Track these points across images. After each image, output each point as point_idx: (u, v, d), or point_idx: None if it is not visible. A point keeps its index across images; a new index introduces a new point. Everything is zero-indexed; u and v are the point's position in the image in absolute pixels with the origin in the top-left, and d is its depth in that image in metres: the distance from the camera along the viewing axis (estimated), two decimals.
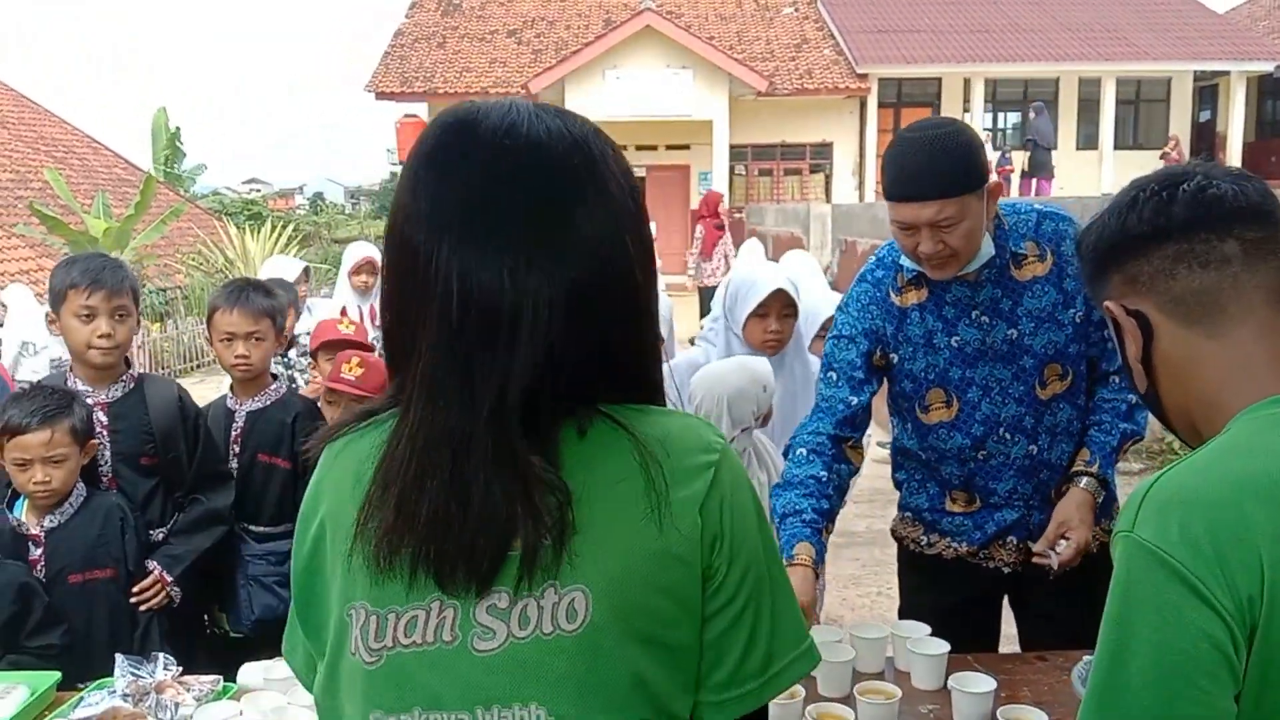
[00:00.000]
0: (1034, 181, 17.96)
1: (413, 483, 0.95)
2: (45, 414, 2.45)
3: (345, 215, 37.78)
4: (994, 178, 2.17)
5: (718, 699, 0.99)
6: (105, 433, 2.67)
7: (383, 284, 1.04)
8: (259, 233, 15.99)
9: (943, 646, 2.11)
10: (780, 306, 2.90)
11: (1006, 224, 2.25)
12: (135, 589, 2.58)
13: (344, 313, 4.39)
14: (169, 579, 2.64)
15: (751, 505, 1.02)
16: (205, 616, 3.00)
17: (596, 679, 0.96)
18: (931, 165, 2.07)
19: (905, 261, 2.25)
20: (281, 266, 5.07)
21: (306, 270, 5.43)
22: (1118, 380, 2.27)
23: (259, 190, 54.63)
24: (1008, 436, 2.28)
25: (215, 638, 3.01)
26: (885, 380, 2.39)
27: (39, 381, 2.71)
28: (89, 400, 2.64)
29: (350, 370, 3.04)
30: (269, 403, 3.02)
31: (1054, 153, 19.21)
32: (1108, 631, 1.06)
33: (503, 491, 0.93)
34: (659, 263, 1.11)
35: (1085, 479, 2.24)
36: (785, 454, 2.43)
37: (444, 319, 0.94)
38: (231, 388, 3.07)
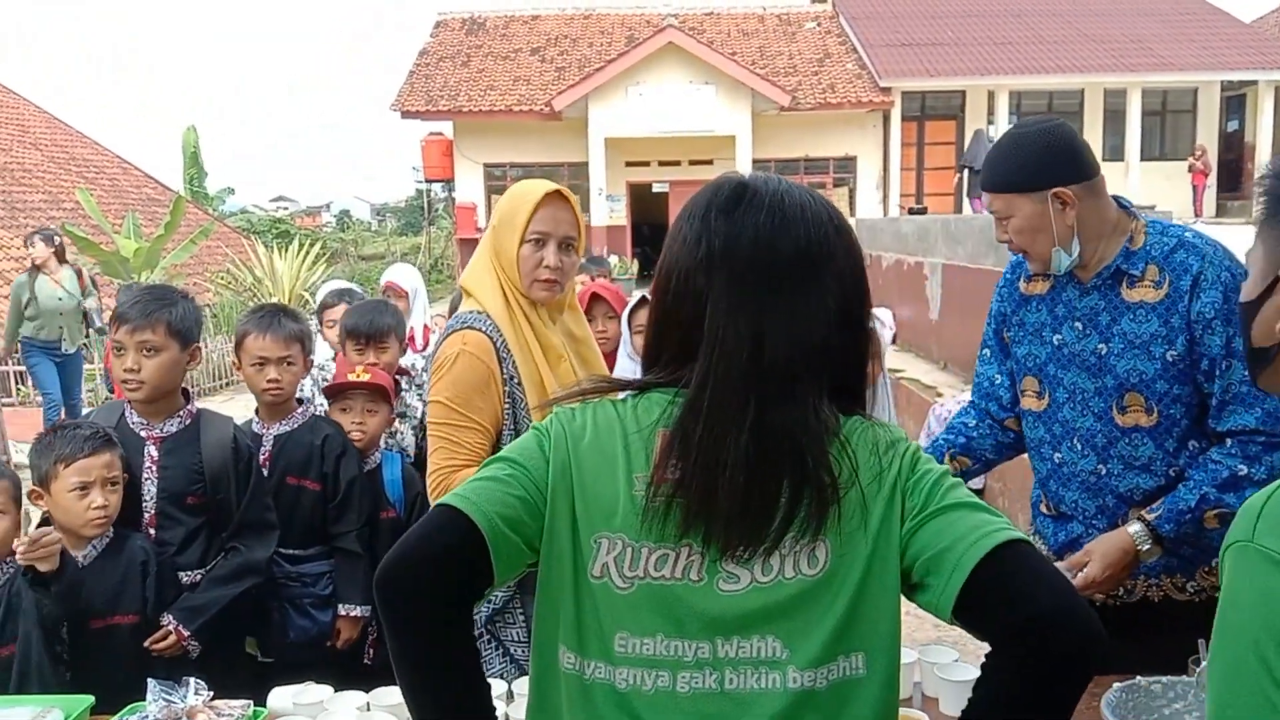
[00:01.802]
0: (975, 200, 18.25)
1: (702, 452, 1.17)
2: (100, 440, 2.49)
3: (372, 232, 38.05)
4: (1069, 189, 2.14)
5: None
6: (154, 468, 2.66)
7: (657, 300, 1.31)
8: (286, 251, 16.14)
9: (971, 672, 2.10)
10: None
11: (1143, 241, 2.20)
12: (148, 642, 2.53)
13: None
14: (185, 633, 2.57)
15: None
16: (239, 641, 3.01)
17: (828, 614, 1.17)
18: (992, 158, 2.22)
19: None
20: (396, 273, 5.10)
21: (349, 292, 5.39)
22: (1231, 444, 2.13)
23: (286, 208, 55.08)
24: (1079, 447, 2.27)
25: (245, 662, 3.02)
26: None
27: (83, 417, 2.74)
28: (142, 434, 2.66)
29: (358, 376, 3.19)
30: (296, 426, 3.04)
31: None
32: (1219, 641, 1.02)
33: (776, 467, 1.17)
34: None
35: (1136, 524, 2.16)
36: None
37: (732, 322, 1.20)
38: (257, 411, 3.10)
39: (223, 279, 15.70)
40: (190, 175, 24.49)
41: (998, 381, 2.48)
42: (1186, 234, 2.21)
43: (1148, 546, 2.14)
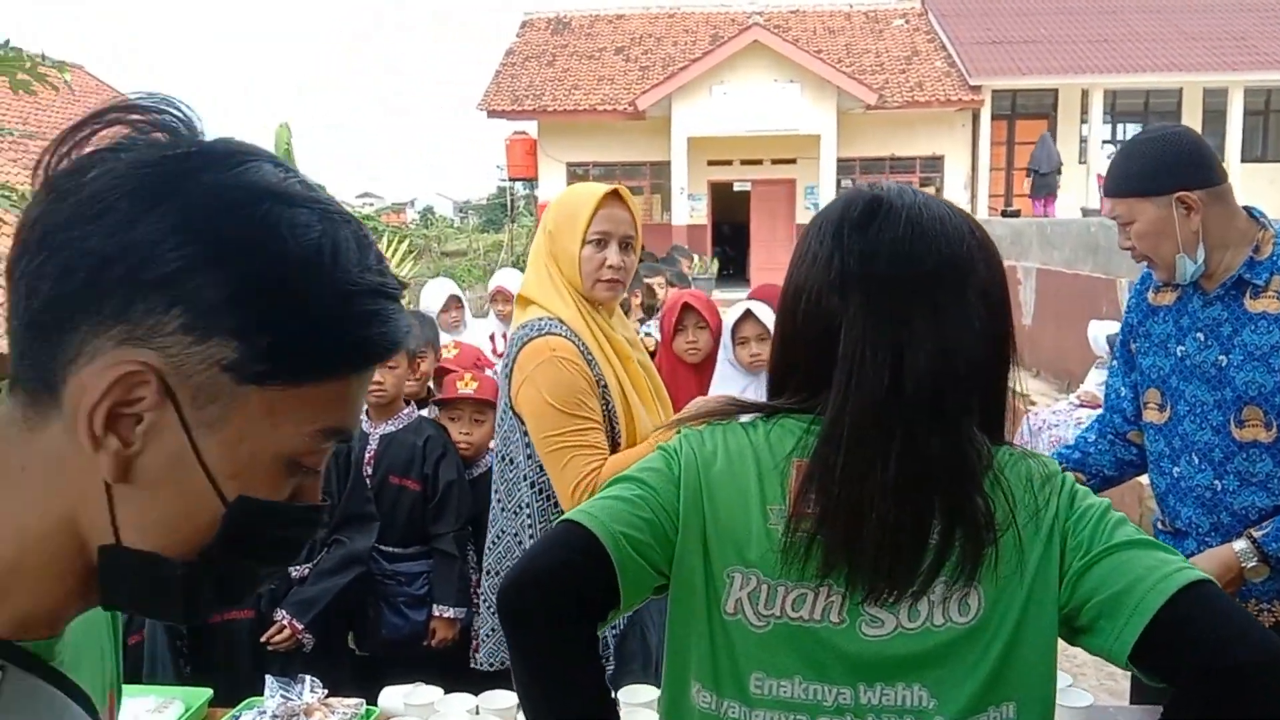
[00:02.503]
0: (1038, 202, 18.26)
1: (844, 486, 1.11)
2: None
3: (454, 229, 38.55)
4: (1194, 194, 2.12)
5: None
6: None
7: (785, 322, 1.28)
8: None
9: (1085, 699, 2.05)
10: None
11: (1270, 251, 2.16)
12: (264, 637, 2.62)
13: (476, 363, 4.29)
14: (300, 626, 2.66)
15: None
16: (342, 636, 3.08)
17: (980, 664, 1.11)
18: (1115, 165, 2.22)
19: None
20: (433, 289, 5.24)
21: (455, 298, 5.48)
22: None
23: (371, 204, 56.06)
24: (1196, 461, 2.24)
25: (349, 656, 3.09)
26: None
27: None
28: None
29: (466, 385, 3.21)
30: (401, 427, 3.10)
31: (1059, 174, 18.77)
32: None
33: (927, 504, 1.11)
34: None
35: (1243, 541, 2.14)
36: None
37: (870, 344, 1.14)
38: (366, 410, 3.16)
39: None
40: None
41: (1123, 394, 2.47)
42: None
43: (1253, 564, 2.11)
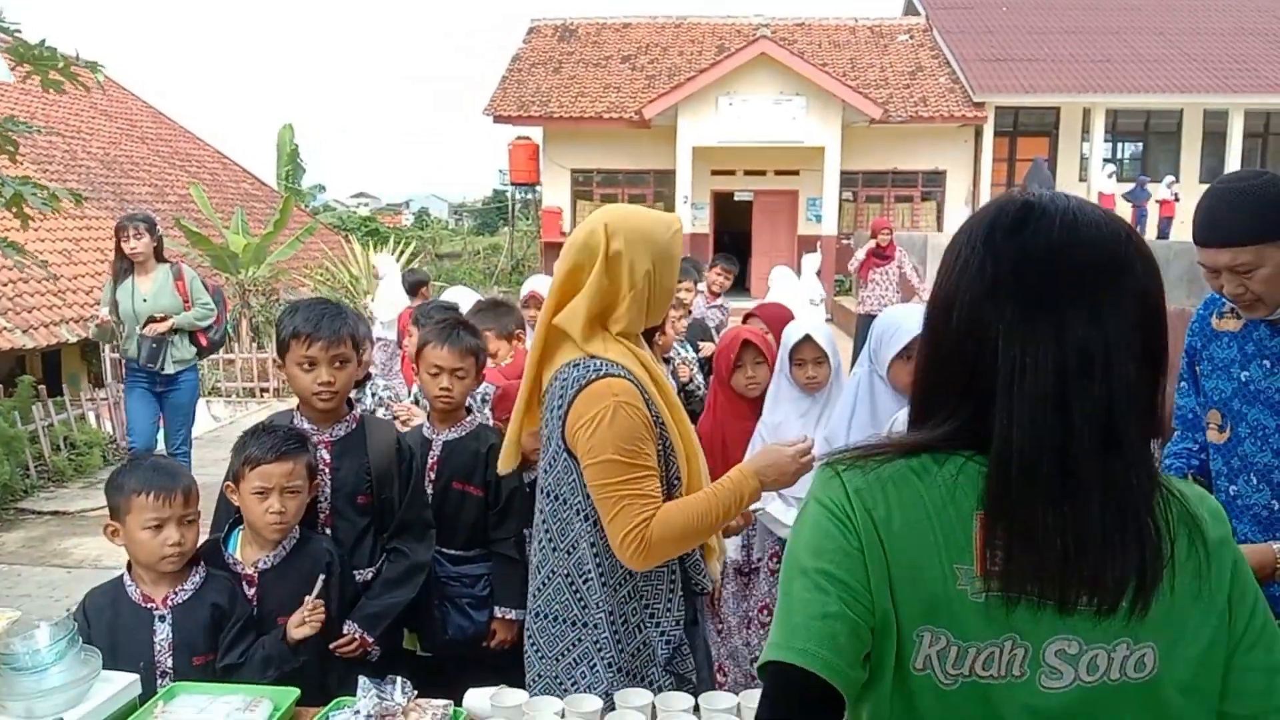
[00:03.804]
0: None
1: (1026, 515, 1.09)
2: (287, 447, 2.57)
3: (449, 230, 38.52)
4: None
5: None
6: (327, 470, 2.77)
7: (934, 337, 1.21)
8: (381, 250, 16.47)
9: None
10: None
11: None
12: (333, 646, 2.63)
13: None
14: (370, 640, 2.69)
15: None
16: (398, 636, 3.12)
17: (1152, 719, 1.12)
18: (1230, 213, 2.20)
19: None
20: (459, 296, 5.27)
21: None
22: None
23: (367, 204, 56.05)
24: (1254, 482, 2.34)
25: (404, 657, 3.13)
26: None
27: (268, 421, 2.81)
28: (314, 438, 2.75)
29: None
30: (464, 433, 3.16)
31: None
32: None
33: (1117, 525, 1.09)
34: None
35: None
36: None
37: (1034, 362, 1.10)
38: (429, 416, 3.22)
39: (320, 275, 16.06)
40: (286, 172, 25.07)
41: (1199, 412, 2.55)
42: None
43: None
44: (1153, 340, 1.15)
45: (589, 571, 2.27)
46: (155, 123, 21.92)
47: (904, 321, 2.91)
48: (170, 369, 6.55)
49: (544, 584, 2.35)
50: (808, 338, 3.20)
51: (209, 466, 7.73)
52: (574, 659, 2.31)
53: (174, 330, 6.49)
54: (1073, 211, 1.16)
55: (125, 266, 6.47)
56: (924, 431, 1.19)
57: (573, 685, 2.30)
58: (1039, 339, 1.10)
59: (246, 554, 2.60)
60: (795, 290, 9.35)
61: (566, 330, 2.26)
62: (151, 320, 6.43)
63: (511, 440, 2.41)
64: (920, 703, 1.13)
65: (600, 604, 2.26)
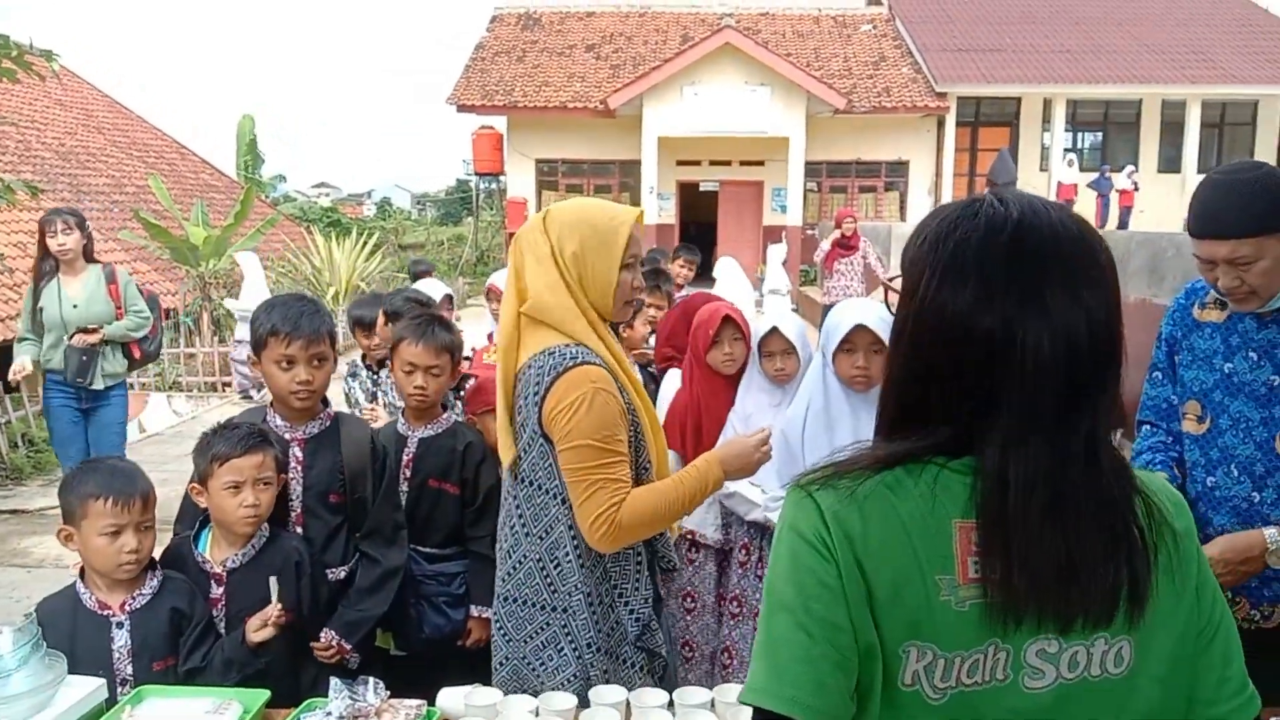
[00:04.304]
0: None
1: (1025, 534, 1.09)
2: (254, 440, 2.54)
3: (413, 221, 38.28)
4: None
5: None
6: (300, 468, 2.73)
7: (910, 350, 1.18)
8: (344, 241, 16.31)
9: None
10: (868, 343, 2.89)
11: None
12: (314, 647, 2.63)
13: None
14: (348, 647, 2.67)
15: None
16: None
17: (1130, 712, 1.15)
18: (1229, 205, 2.17)
19: None
20: (428, 288, 5.22)
21: (449, 297, 5.45)
22: None
23: (328, 194, 55.61)
24: (1235, 473, 2.33)
25: (378, 656, 3.09)
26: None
27: (233, 419, 2.76)
28: (286, 436, 2.72)
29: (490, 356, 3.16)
30: (440, 431, 3.12)
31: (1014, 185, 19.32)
32: None
33: (1109, 539, 1.11)
34: None
35: (1273, 528, 2.24)
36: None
37: (1023, 366, 1.10)
38: (404, 413, 3.18)
39: (282, 267, 15.88)
40: (245, 162, 24.77)
41: (1175, 402, 2.53)
42: None
43: (1277, 547, 2.22)
44: (1115, 315, 1.15)
45: (567, 555, 2.29)
46: (112, 112, 21.57)
47: (844, 315, 2.93)
48: (100, 384, 5.84)
49: (514, 569, 2.37)
50: (775, 329, 3.20)
51: (169, 463, 7.65)
52: (542, 642, 2.34)
53: (105, 341, 5.81)
54: (1029, 201, 1.16)
55: (50, 267, 5.75)
56: (898, 444, 1.17)
57: (541, 668, 2.34)
58: (1032, 343, 1.10)
59: (215, 554, 2.57)
60: (739, 283, 9.52)
61: (540, 318, 2.30)
62: (81, 331, 5.75)
63: (504, 428, 2.40)
64: (908, 718, 1.12)
65: (578, 586, 2.29)
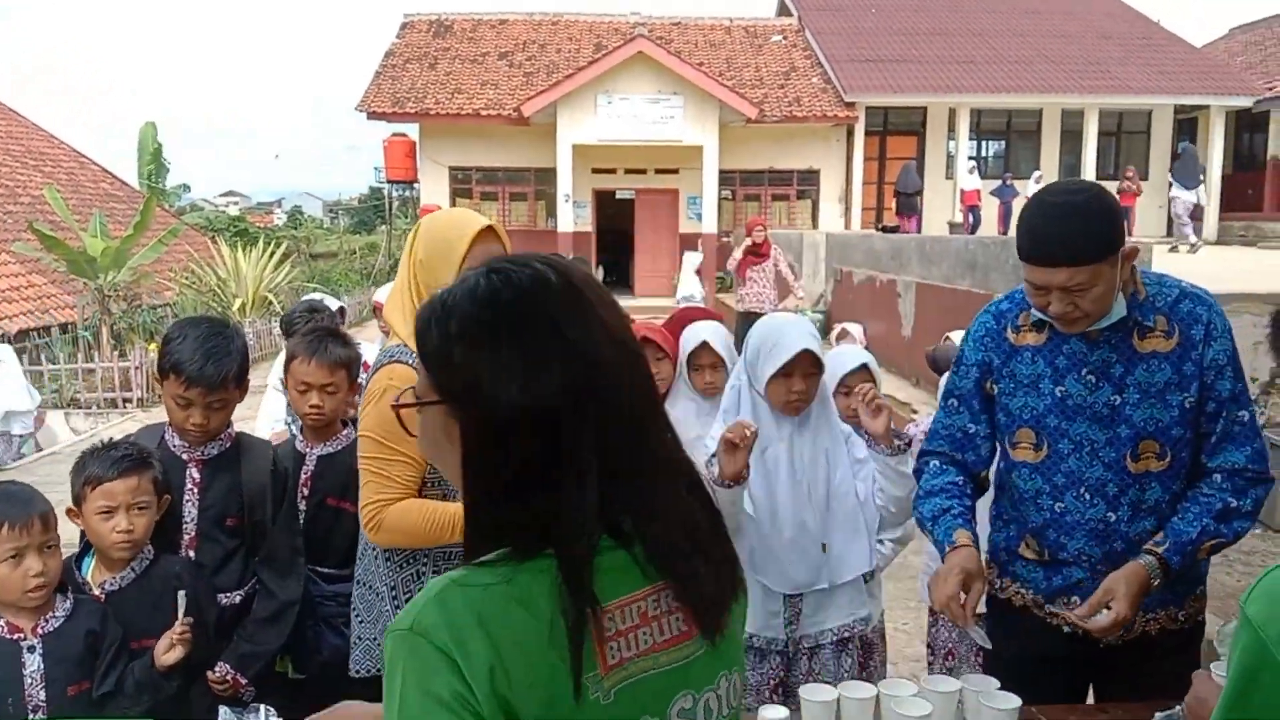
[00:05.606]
0: (903, 219, 19.93)
1: (647, 611, 1.13)
2: (129, 463, 2.47)
3: (324, 230, 37.63)
4: (1129, 242, 2.15)
5: None
6: (196, 490, 2.66)
7: (495, 450, 1.11)
8: (250, 252, 15.98)
9: (1013, 701, 2.12)
10: (806, 365, 2.66)
11: (1145, 293, 2.24)
12: (209, 678, 2.58)
13: None
14: (244, 681, 2.61)
15: None
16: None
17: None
18: (1067, 231, 2.10)
19: None
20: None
21: (342, 310, 5.37)
22: (1220, 479, 2.24)
23: (236, 203, 54.38)
24: (1087, 497, 2.29)
25: (276, 680, 3.03)
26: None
27: (118, 438, 2.67)
28: (184, 456, 2.65)
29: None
30: (339, 448, 3.05)
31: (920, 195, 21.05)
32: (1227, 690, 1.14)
33: (720, 562, 1.20)
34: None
35: (1147, 557, 2.20)
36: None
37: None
38: (301, 431, 3.12)
39: (185, 279, 15.48)
40: (149, 171, 24.09)
41: (973, 431, 2.43)
42: (1183, 284, 2.30)
43: (1159, 580, 2.21)
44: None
45: (374, 545, 2.47)
46: (5, 119, 20.82)
47: (784, 336, 2.67)
48: None
49: (363, 553, 2.58)
50: (705, 343, 3.19)
51: (67, 483, 7.39)
52: (384, 625, 2.44)
53: None
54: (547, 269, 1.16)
55: None
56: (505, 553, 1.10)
57: (379, 650, 2.48)
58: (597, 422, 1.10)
59: (97, 576, 2.50)
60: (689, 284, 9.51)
61: (387, 318, 2.51)
62: None
63: None
64: None
65: (384, 577, 2.47)
